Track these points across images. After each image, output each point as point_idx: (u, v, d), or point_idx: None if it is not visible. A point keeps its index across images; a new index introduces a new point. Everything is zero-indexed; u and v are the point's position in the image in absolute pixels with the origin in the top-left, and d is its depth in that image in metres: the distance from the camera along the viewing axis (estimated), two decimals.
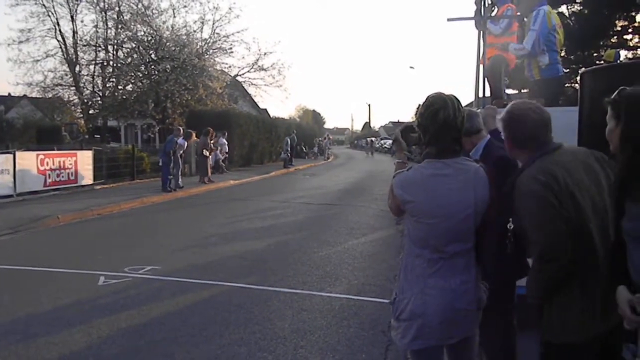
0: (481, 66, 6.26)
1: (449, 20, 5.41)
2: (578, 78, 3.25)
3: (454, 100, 2.32)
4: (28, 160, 13.20)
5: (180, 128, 16.25)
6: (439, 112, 2.28)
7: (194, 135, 17.47)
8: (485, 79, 6.02)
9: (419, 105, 2.42)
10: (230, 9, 27.37)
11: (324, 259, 7.34)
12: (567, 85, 14.88)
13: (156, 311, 5.17)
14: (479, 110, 3.75)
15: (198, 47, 26.17)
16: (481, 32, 6.73)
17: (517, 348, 3.33)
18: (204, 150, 17.80)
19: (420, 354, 2.47)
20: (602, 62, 18.16)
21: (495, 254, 2.90)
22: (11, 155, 12.71)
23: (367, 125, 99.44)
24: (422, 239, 2.39)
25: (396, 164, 2.75)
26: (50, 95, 29.02)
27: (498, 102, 5.28)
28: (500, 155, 3.12)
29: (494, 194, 2.46)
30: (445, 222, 2.32)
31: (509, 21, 6.01)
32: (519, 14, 5.75)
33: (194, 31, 26.87)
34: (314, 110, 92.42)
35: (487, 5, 6.08)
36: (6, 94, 43.80)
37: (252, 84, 30.52)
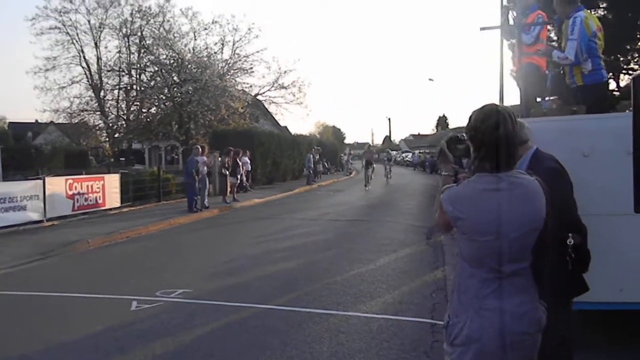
0: (509, 75, 6.09)
1: (482, 29, 5.28)
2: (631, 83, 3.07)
3: (511, 113, 2.19)
4: (57, 185, 13.37)
5: (199, 147, 16.27)
6: (499, 126, 2.14)
7: (207, 150, 17.24)
8: (518, 88, 5.86)
9: (470, 117, 2.27)
10: (249, 29, 27.73)
11: (357, 278, 7.18)
12: None
13: (190, 336, 5.06)
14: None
15: (219, 68, 26.48)
16: (503, 40, 6.58)
17: None
18: (222, 169, 17.80)
19: None
20: (630, 67, 17.78)
21: (553, 272, 2.73)
22: (41, 181, 12.89)
23: (387, 139, 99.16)
24: (476, 257, 2.23)
25: (443, 177, 2.61)
26: (76, 121, 29.68)
27: (537, 111, 5.10)
28: (549, 166, 2.95)
29: (549, 208, 2.31)
30: (500, 239, 2.16)
31: (540, 28, 5.84)
32: (553, 18, 5.57)
33: (215, 53, 27.30)
34: (334, 126, 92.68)
35: (516, 15, 5.93)
36: (33, 121, 45.05)
37: (272, 102, 30.78)
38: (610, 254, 3.94)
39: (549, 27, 6.07)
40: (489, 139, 2.17)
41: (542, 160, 2.98)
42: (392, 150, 43.57)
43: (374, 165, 26.76)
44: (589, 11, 5.09)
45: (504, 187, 2.18)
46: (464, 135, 2.53)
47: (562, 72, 5.48)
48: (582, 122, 4.44)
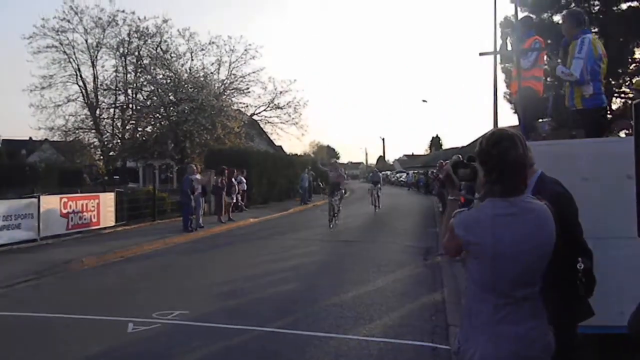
0: (503, 98, 6.16)
1: (480, 54, 5.36)
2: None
3: (521, 137, 2.22)
4: (52, 204, 13.27)
5: (194, 166, 16.23)
6: (509, 150, 2.18)
7: (199, 169, 17.20)
8: (514, 111, 5.93)
9: (480, 142, 2.30)
10: (246, 50, 27.96)
11: (356, 300, 7.13)
12: None
13: None
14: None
15: (215, 88, 26.62)
16: (496, 64, 6.65)
17: None
18: (216, 188, 17.74)
19: None
20: (622, 90, 18.05)
21: (560, 296, 2.74)
22: (36, 200, 12.80)
23: (381, 159, 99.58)
24: (488, 282, 2.24)
25: (449, 201, 2.62)
26: (71, 139, 29.58)
27: (536, 136, 5.15)
28: (556, 190, 2.96)
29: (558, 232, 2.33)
30: (513, 264, 2.18)
31: (538, 54, 5.95)
32: (549, 42, 5.66)
33: (211, 73, 27.48)
34: (328, 146, 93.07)
35: (514, 40, 6.03)
36: (27, 138, 44.91)
37: (268, 122, 30.89)
38: (610, 277, 3.95)
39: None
40: (500, 163, 2.19)
41: (547, 184, 3.00)
42: (381, 171, 39.23)
43: (343, 190, 18.56)
44: (595, 35, 5.16)
45: (516, 212, 2.19)
46: (459, 157, 2.55)
47: (562, 93, 5.51)
48: (581, 146, 4.49)
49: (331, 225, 16.21)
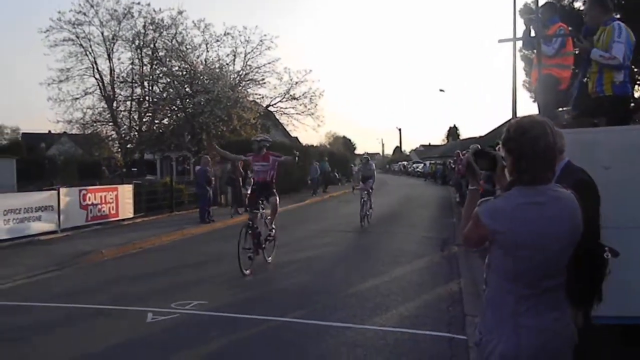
0: (522, 86, 6.04)
1: (499, 41, 5.25)
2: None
3: (550, 125, 2.16)
4: (71, 196, 13.48)
5: (208, 157, 16.34)
6: (539, 139, 2.12)
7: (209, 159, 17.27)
8: (532, 99, 5.81)
9: (507, 129, 2.25)
10: (261, 41, 27.88)
11: (372, 290, 7.13)
12: None
13: (207, 349, 5.04)
14: None
15: (231, 79, 26.61)
16: (516, 52, 6.48)
17: None
18: (229, 179, 17.84)
19: None
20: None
21: (585, 287, 2.69)
22: (55, 192, 12.99)
23: (398, 149, 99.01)
24: (513, 273, 2.19)
25: (469, 191, 2.57)
26: (89, 132, 29.81)
27: (557, 124, 5.03)
28: (580, 178, 2.90)
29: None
30: (540, 254, 2.13)
31: (562, 40, 5.80)
32: (570, 29, 5.49)
33: (227, 64, 27.40)
34: (344, 137, 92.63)
35: (537, 26, 5.88)
36: (46, 132, 45.51)
37: (283, 113, 30.83)
38: (632, 267, 3.87)
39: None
40: (530, 151, 2.14)
41: (573, 172, 2.93)
42: (398, 162, 39.33)
43: (277, 197, 9.36)
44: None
45: (544, 201, 2.15)
46: (478, 146, 2.51)
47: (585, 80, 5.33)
48: (603, 135, 4.39)
49: (246, 271, 8.12)
